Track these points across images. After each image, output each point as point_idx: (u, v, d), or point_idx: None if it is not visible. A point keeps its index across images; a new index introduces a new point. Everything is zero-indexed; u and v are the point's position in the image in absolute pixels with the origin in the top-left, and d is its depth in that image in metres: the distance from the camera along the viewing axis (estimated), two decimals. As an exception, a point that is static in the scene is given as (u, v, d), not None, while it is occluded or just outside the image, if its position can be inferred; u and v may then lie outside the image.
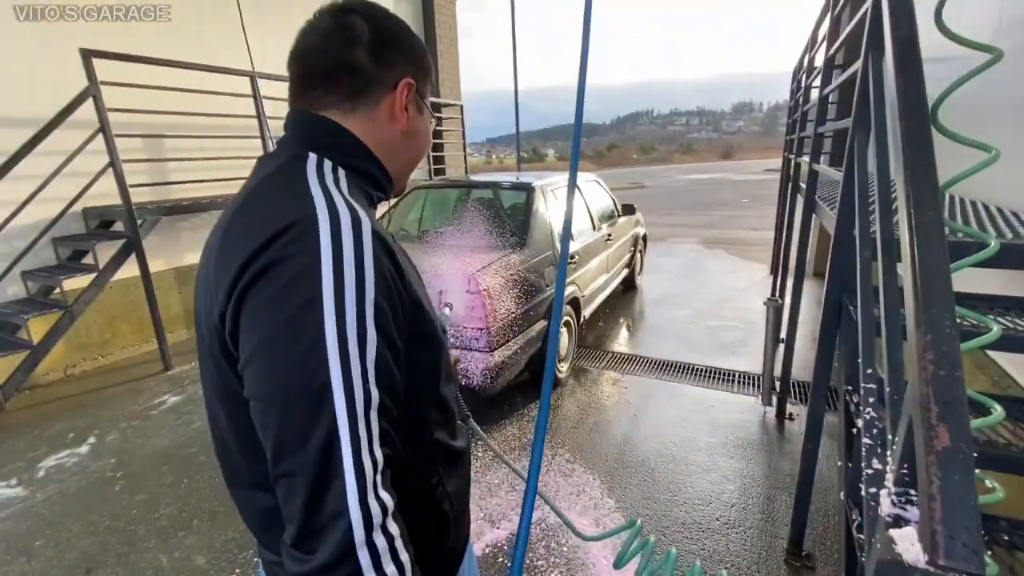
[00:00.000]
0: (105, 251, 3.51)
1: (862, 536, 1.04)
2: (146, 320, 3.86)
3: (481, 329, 2.54)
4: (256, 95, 4.23)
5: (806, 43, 3.89)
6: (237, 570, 1.90)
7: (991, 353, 1.98)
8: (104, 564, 1.94)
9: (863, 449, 0.98)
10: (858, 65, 1.45)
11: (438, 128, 7.05)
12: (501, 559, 1.91)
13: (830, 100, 2.91)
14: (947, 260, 0.72)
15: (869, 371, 1.07)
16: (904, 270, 0.76)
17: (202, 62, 3.89)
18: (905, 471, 0.74)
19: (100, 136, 3.32)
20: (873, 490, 0.91)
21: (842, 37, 1.89)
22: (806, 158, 3.17)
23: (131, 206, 3.46)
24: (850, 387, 1.40)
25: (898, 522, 0.75)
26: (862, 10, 1.48)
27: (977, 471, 0.89)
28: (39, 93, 3.45)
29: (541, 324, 3.02)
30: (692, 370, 3.50)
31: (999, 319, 1.32)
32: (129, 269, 3.66)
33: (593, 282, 3.89)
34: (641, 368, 3.57)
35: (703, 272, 6.40)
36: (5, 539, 2.09)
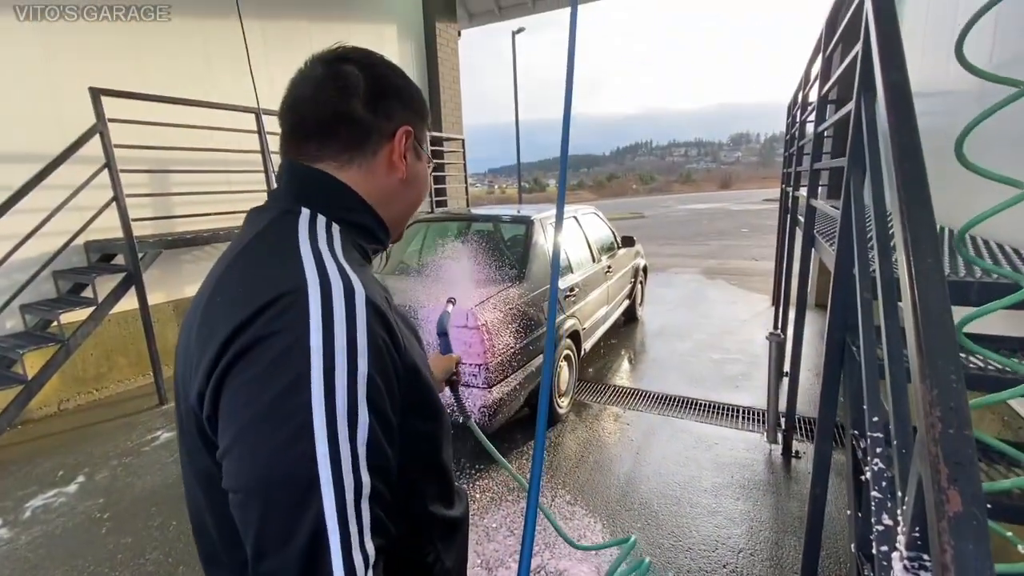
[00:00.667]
0: (105, 284, 3.51)
1: (875, 595, 0.99)
2: (143, 353, 3.83)
3: (479, 365, 2.50)
4: (260, 131, 4.31)
5: (800, 79, 3.97)
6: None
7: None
8: (84, 614, 1.86)
9: (873, 503, 0.94)
10: (851, 106, 1.46)
11: (440, 162, 7.17)
12: (498, 610, 1.82)
13: (825, 135, 2.94)
14: (949, 308, 0.70)
15: (875, 419, 1.03)
16: (906, 319, 0.74)
17: (207, 98, 4.00)
18: (917, 534, 0.70)
19: (105, 170, 3.37)
20: (884, 549, 0.86)
21: (834, 77, 1.92)
22: (803, 191, 3.19)
23: (133, 240, 3.48)
24: (856, 431, 1.36)
25: (912, 590, 0.70)
26: (853, 52, 1.51)
27: (1010, 534, 0.85)
28: (47, 129, 3.52)
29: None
30: (695, 405, 3.43)
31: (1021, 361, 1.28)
32: (128, 302, 3.66)
33: (593, 315, 3.86)
34: (643, 403, 3.50)
35: (704, 303, 6.37)
36: (-17, 586, 2.01)
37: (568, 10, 1.01)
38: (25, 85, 3.48)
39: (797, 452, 2.76)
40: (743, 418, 3.22)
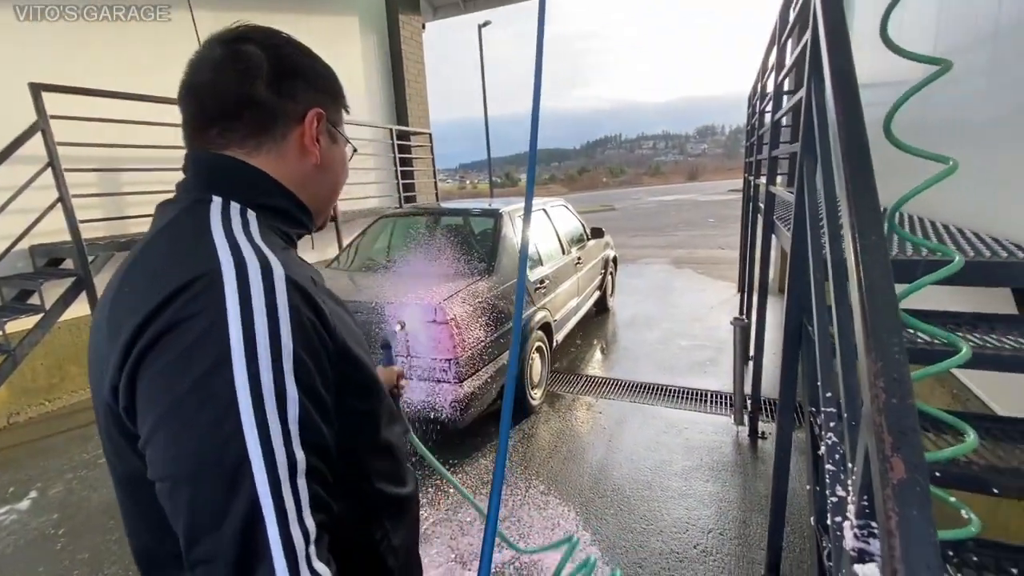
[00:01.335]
0: (53, 290, 3.33)
1: (832, 564, 1.02)
2: (98, 361, 3.66)
3: (449, 360, 2.48)
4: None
5: (758, 70, 4.06)
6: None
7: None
8: (38, 635, 1.77)
9: (827, 476, 0.97)
10: (802, 93, 1.50)
11: (407, 156, 7.06)
12: (474, 603, 1.82)
13: (782, 124, 3.02)
14: (892, 283, 0.72)
15: (828, 394, 1.07)
16: (852, 295, 0.76)
17: (160, 93, 3.82)
18: (866, 503, 0.72)
19: (49, 170, 3.19)
20: (838, 519, 0.89)
21: (787, 66, 1.97)
22: (763, 179, 3.27)
23: (81, 243, 3.31)
24: (813, 409, 1.40)
25: (862, 557, 0.72)
26: (803, 40, 1.54)
27: (953, 499, 0.88)
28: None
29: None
30: (665, 391, 3.50)
31: (963, 336, 1.34)
32: (79, 308, 3.48)
33: (565, 306, 3.88)
34: (615, 391, 3.55)
35: (673, 292, 6.49)
36: (-75, 613, 1.89)
37: (535, 3, 1.00)
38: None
39: (763, 433, 2.84)
40: (711, 402, 3.30)
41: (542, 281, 3.42)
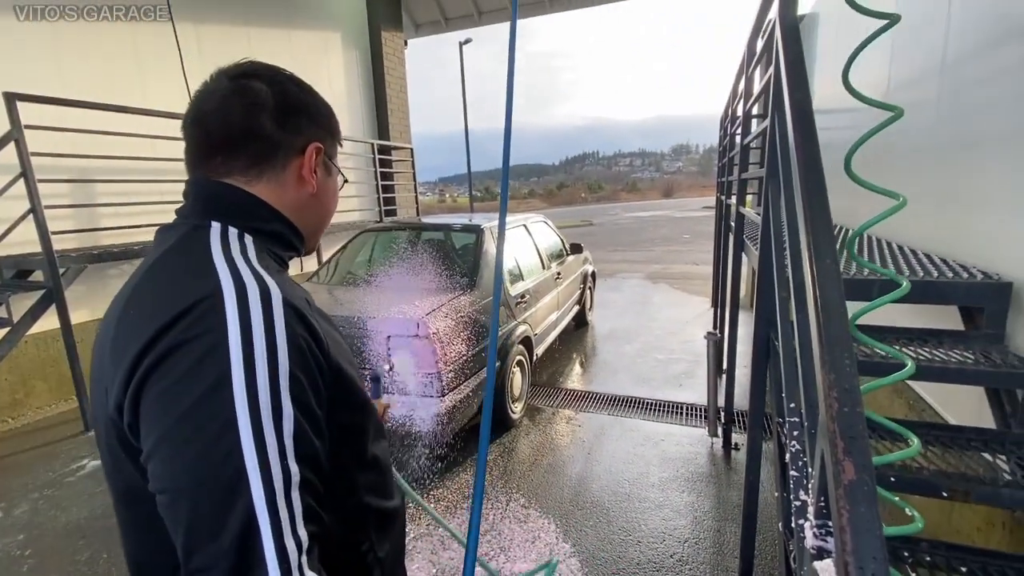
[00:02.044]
0: (21, 303, 3.24)
1: (796, 565, 1.09)
2: (65, 376, 3.55)
3: (431, 374, 2.50)
4: (197, 139, 4.12)
5: (729, 94, 4.25)
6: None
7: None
8: (1, 662, 1.71)
9: (791, 481, 1.04)
10: (767, 122, 1.60)
11: (388, 171, 7.09)
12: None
13: (752, 147, 3.17)
14: (844, 303, 0.80)
15: (792, 405, 1.14)
16: (810, 313, 0.83)
17: (139, 104, 3.79)
18: (823, 503, 0.78)
19: (21, 180, 3.12)
20: (800, 522, 0.95)
21: (755, 95, 2.09)
22: (735, 199, 3.42)
23: (52, 255, 3.23)
24: (780, 419, 1.48)
25: (821, 554, 0.79)
26: (768, 72, 1.66)
27: (898, 499, 0.96)
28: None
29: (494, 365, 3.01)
30: (642, 404, 3.57)
31: (915, 351, 1.44)
32: (48, 321, 3.39)
33: (545, 320, 3.94)
34: (594, 404, 3.60)
35: (650, 306, 6.63)
36: None
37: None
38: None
39: (736, 444, 2.93)
40: (687, 414, 3.38)
41: (523, 296, 3.48)
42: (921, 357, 1.37)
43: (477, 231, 3.48)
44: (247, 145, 0.63)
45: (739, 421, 3.19)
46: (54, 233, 3.24)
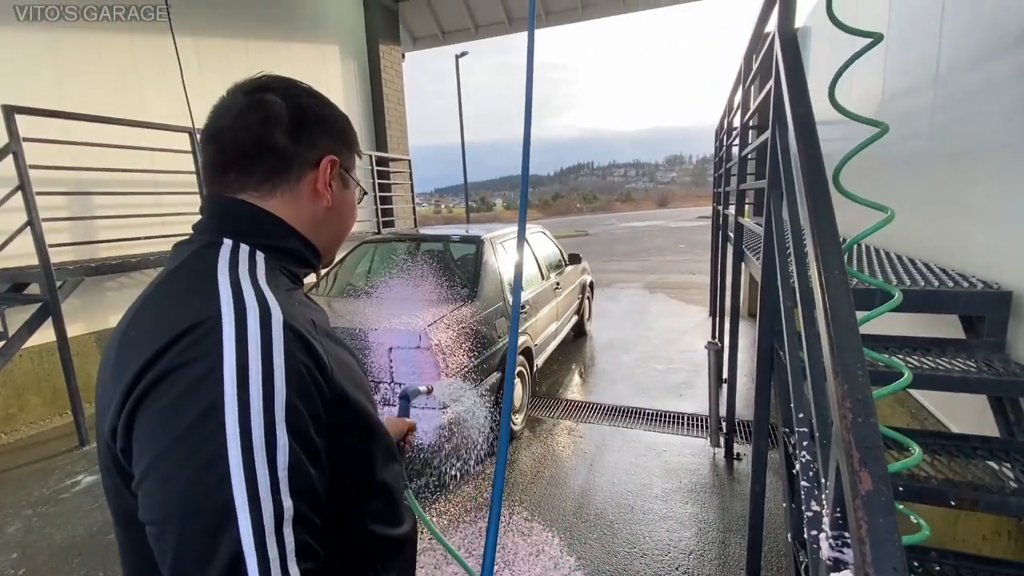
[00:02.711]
0: (17, 316, 3.22)
1: (809, 577, 1.08)
2: (60, 390, 3.51)
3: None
4: (195, 151, 4.13)
5: (725, 107, 4.30)
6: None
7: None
8: None
9: (802, 492, 1.04)
10: (767, 135, 1.63)
11: (386, 182, 7.12)
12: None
13: (749, 158, 3.20)
14: (854, 314, 0.80)
15: (801, 415, 1.14)
16: (819, 324, 0.84)
17: (138, 117, 3.80)
18: (839, 514, 0.78)
19: (19, 193, 3.11)
20: (814, 532, 0.95)
21: (752, 108, 2.12)
22: (732, 209, 3.45)
23: (49, 268, 3.21)
24: (787, 429, 1.48)
25: (838, 565, 0.79)
26: (767, 87, 1.68)
27: (902, 507, 0.96)
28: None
29: (495, 376, 3.01)
30: (643, 415, 3.56)
31: (918, 360, 1.45)
32: (43, 335, 3.36)
33: (544, 331, 3.94)
34: (594, 415, 3.59)
35: (647, 316, 6.64)
36: None
37: (524, 34, 1.10)
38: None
39: (738, 454, 2.92)
40: (688, 424, 3.37)
41: (523, 307, 3.48)
42: (924, 366, 1.38)
43: (477, 242, 3.49)
44: (260, 160, 0.62)
45: (741, 431, 3.19)
46: (51, 246, 3.22)
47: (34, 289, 3.45)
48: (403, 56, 7.99)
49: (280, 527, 0.47)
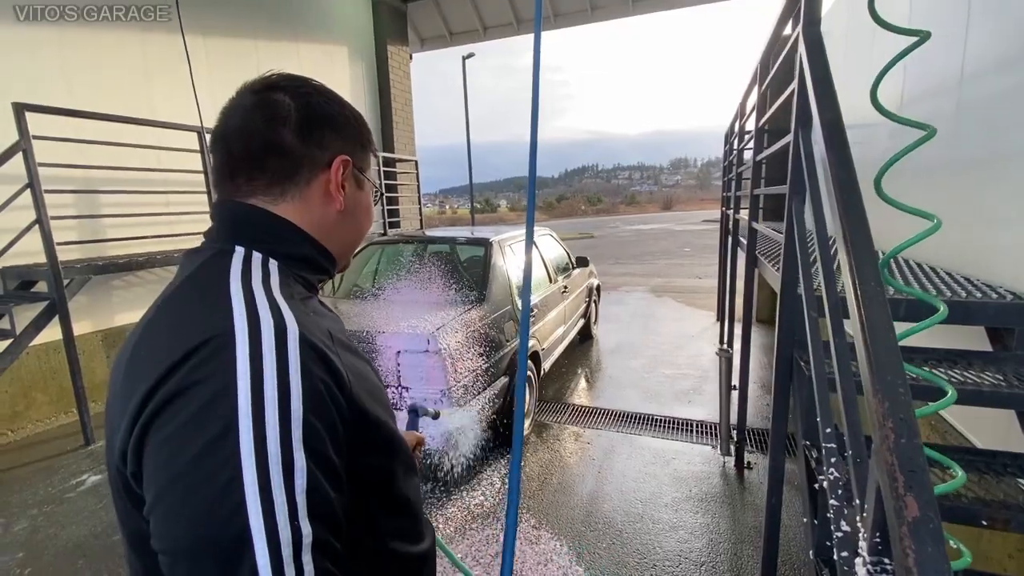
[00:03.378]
0: (24, 314, 3.21)
1: (836, 599, 1.04)
2: (66, 388, 3.51)
3: (441, 390, 2.46)
4: (203, 150, 4.13)
5: (736, 111, 4.26)
6: None
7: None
8: None
9: (830, 510, 1.00)
10: (789, 138, 1.59)
11: (393, 183, 7.11)
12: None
13: (764, 162, 3.16)
14: (892, 328, 0.76)
15: (828, 430, 1.10)
16: (855, 338, 0.80)
17: (146, 116, 3.80)
18: (878, 540, 0.74)
19: (28, 191, 3.11)
20: (845, 554, 0.91)
21: (770, 112, 2.08)
22: (743, 213, 3.40)
23: (57, 266, 3.21)
24: (808, 442, 1.44)
25: (876, 592, 0.75)
26: (788, 89, 1.64)
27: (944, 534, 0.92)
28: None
29: (503, 380, 2.98)
30: (651, 421, 3.52)
31: (945, 373, 1.40)
32: (50, 333, 3.35)
33: (551, 335, 3.91)
34: (602, 421, 3.55)
35: (654, 320, 6.59)
36: None
37: (530, 36, 1.07)
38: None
39: (749, 463, 2.88)
40: (697, 432, 3.33)
41: (531, 310, 3.45)
42: (953, 380, 1.33)
43: (486, 244, 3.46)
44: (268, 162, 0.59)
45: (751, 439, 3.14)
46: (59, 244, 3.21)
47: (42, 287, 3.45)
48: (411, 57, 7.98)
49: (299, 555, 0.44)
